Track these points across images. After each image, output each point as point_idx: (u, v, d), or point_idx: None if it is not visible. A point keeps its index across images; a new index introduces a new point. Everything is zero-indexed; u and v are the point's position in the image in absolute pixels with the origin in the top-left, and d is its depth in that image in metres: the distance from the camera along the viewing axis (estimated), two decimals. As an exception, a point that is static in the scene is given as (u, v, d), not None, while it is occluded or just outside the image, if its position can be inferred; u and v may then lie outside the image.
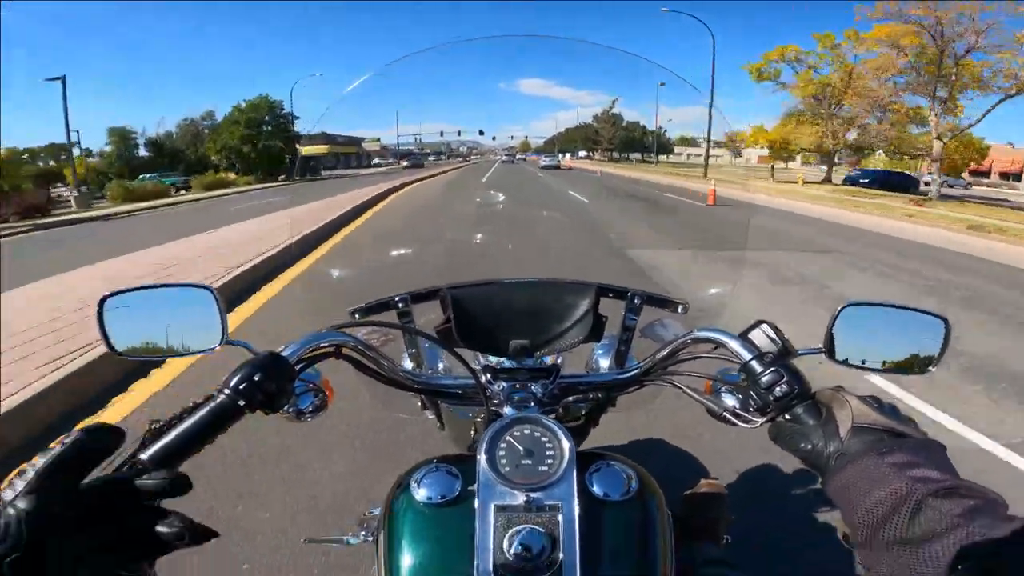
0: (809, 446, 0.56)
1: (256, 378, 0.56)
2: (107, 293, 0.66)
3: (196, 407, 0.55)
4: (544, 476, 0.60)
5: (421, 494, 0.63)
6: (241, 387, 0.56)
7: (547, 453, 0.63)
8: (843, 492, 0.50)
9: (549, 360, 0.81)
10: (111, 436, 0.45)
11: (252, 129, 40.03)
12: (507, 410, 0.73)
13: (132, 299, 0.66)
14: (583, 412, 0.86)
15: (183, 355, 0.68)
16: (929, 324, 0.66)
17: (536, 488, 0.59)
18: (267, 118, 41.59)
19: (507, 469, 0.61)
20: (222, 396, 0.55)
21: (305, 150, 33.48)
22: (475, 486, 0.61)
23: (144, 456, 0.51)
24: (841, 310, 0.65)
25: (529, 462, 0.62)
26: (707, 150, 35.39)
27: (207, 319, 0.66)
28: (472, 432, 0.88)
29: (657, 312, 0.88)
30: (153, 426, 0.53)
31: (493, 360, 0.80)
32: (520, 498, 0.59)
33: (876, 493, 0.47)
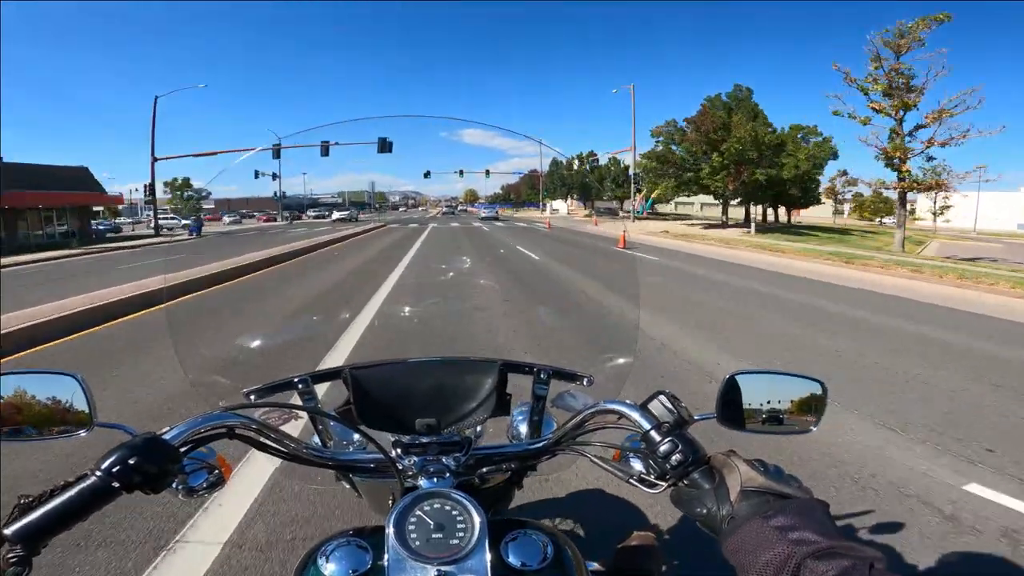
0: (704, 510, 0.58)
1: (132, 461, 0.54)
2: None
3: (67, 486, 0.53)
4: (456, 549, 0.60)
5: (330, 568, 0.61)
6: (115, 469, 0.54)
7: (458, 526, 0.62)
8: (736, 555, 0.52)
9: (464, 432, 0.81)
10: None
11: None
12: (422, 482, 0.72)
13: None
14: (503, 478, 0.85)
15: (50, 438, 0.65)
16: (808, 386, 0.72)
17: (448, 561, 0.59)
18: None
19: (417, 543, 0.60)
20: (94, 477, 0.53)
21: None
22: (385, 560, 0.59)
23: (8, 531, 0.50)
24: (729, 378, 0.70)
25: (440, 536, 0.61)
26: (634, 201, 45.19)
27: (75, 403, 0.64)
28: (390, 501, 0.85)
29: (567, 383, 0.90)
30: (22, 501, 0.52)
31: (404, 435, 0.79)
32: (431, 572, 0.58)
33: (763, 556, 0.49)
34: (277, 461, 0.75)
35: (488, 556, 0.59)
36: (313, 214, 45.47)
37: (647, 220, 41.99)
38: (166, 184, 50.95)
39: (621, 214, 54.99)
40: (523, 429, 0.95)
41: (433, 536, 0.61)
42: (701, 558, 1.96)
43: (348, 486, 0.94)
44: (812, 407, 0.72)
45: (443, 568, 0.58)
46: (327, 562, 0.62)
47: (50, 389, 0.64)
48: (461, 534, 0.61)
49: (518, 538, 0.65)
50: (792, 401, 0.72)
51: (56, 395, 0.64)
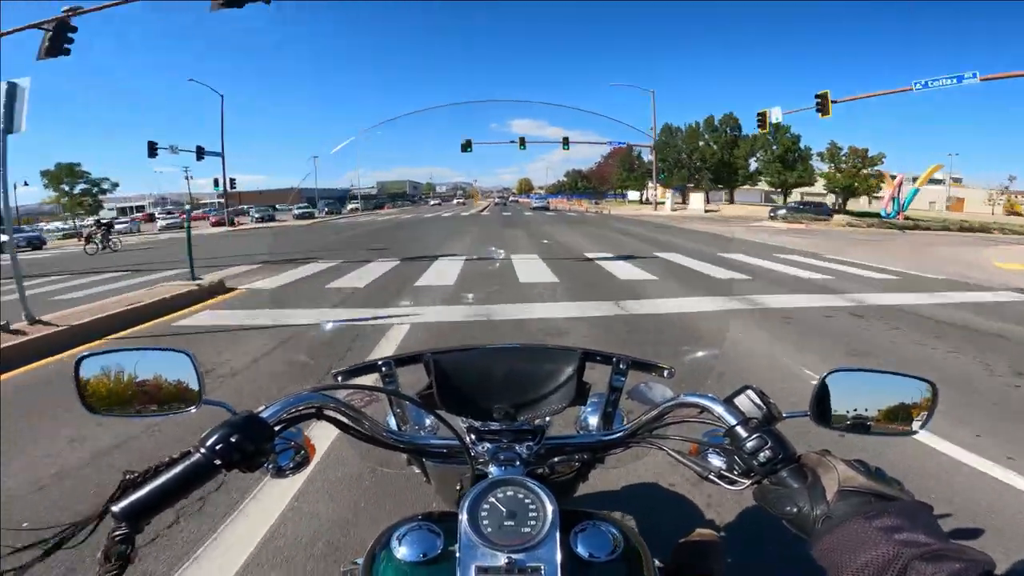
0: (795, 509, 0.56)
1: (233, 439, 0.57)
2: (84, 353, 0.68)
3: (172, 462, 0.55)
4: (527, 538, 0.60)
5: (402, 552, 0.62)
6: (218, 447, 0.56)
7: (530, 514, 0.63)
8: (829, 555, 0.51)
9: (536, 421, 0.81)
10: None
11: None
12: (492, 469, 0.73)
13: (109, 359, 0.67)
14: (572, 468, 0.85)
15: (159, 415, 0.69)
16: (914, 386, 0.68)
17: (519, 550, 0.59)
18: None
19: (489, 530, 0.61)
20: (198, 455, 0.56)
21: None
22: (457, 546, 0.60)
23: (115, 508, 0.51)
24: (827, 376, 0.67)
25: (512, 523, 0.62)
26: (655, 188, 41.91)
27: (186, 380, 0.67)
28: (459, 488, 0.87)
29: (644, 375, 0.89)
30: (127, 477, 0.54)
31: (478, 421, 0.80)
32: (502, 559, 0.58)
33: (863, 556, 0.48)
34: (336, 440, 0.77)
35: (559, 545, 0.60)
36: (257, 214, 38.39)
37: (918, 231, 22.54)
38: (43, 174, 34.35)
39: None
40: (592, 421, 0.94)
41: (505, 523, 0.62)
42: (762, 556, 1.97)
43: (418, 470, 0.96)
44: (917, 408, 0.67)
45: (514, 555, 0.58)
46: (400, 545, 0.63)
47: (162, 366, 0.68)
48: (533, 522, 0.62)
49: (587, 529, 0.64)
50: (894, 401, 0.67)
51: (168, 372, 0.67)
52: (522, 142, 28.72)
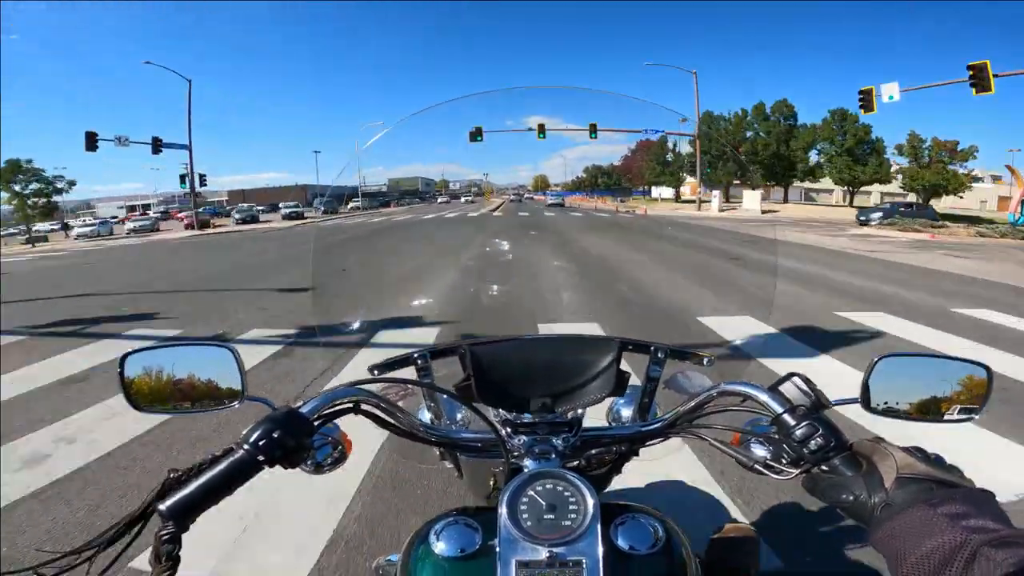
0: (851, 497, 0.56)
1: (275, 434, 0.57)
2: (129, 350, 0.69)
3: (215, 460, 0.56)
4: (567, 531, 0.60)
5: (440, 547, 0.62)
6: (261, 443, 0.57)
7: (570, 507, 0.62)
8: (890, 543, 0.50)
9: (570, 413, 0.80)
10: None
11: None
12: (528, 463, 0.72)
13: (153, 356, 0.68)
14: (606, 461, 0.84)
15: (203, 411, 0.69)
16: (968, 370, 0.65)
17: (559, 543, 0.58)
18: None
19: (529, 524, 0.61)
20: (241, 451, 0.56)
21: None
22: (495, 540, 0.60)
23: (162, 507, 0.52)
24: (877, 361, 0.65)
25: (552, 517, 0.61)
26: (698, 180, 35.12)
27: (227, 375, 0.68)
28: (492, 483, 0.87)
29: (681, 363, 0.86)
30: (172, 475, 0.54)
31: (512, 413, 0.79)
32: (543, 553, 0.58)
33: (928, 543, 0.46)
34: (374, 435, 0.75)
35: (600, 538, 0.59)
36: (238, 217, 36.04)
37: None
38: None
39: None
40: (625, 412, 0.92)
41: (545, 517, 0.61)
42: (795, 551, 1.90)
43: (450, 465, 0.95)
44: (972, 394, 0.64)
45: (555, 549, 0.58)
46: (437, 540, 0.63)
47: (204, 362, 0.68)
48: (573, 515, 0.61)
49: (627, 522, 0.63)
50: (949, 387, 0.65)
51: (211, 368, 0.68)
52: (541, 129, 26.19)
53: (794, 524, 2.07)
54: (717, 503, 2.16)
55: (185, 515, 0.52)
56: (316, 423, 0.64)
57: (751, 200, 31.76)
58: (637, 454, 0.84)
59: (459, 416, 0.94)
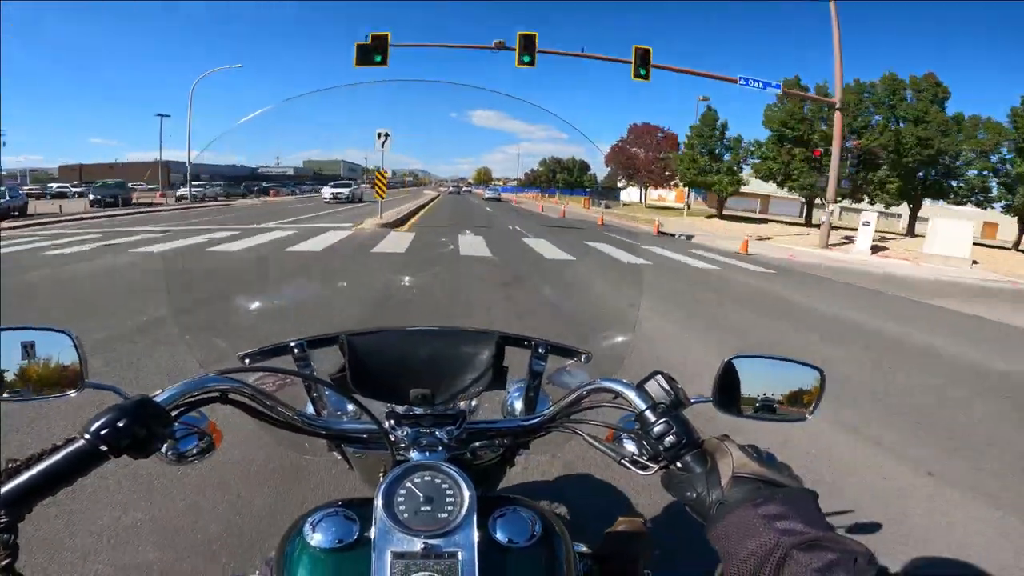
0: (694, 495, 0.58)
1: (121, 423, 0.54)
2: None
3: (55, 449, 0.53)
4: (443, 523, 0.60)
5: (316, 539, 0.61)
6: (103, 432, 0.53)
7: (447, 500, 0.63)
8: (722, 542, 0.52)
9: (457, 406, 0.81)
10: None
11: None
12: (414, 455, 0.72)
13: None
14: (496, 453, 0.86)
15: (39, 398, 0.65)
16: (806, 373, 0.71)
17: (435, 535, 0.59)
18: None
19: (405, 515, 0.61)
20: (82, 440, 0.53)
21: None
22: (372, 532, 0.59)
23: None
24: (727, 362, 0.69)
25: (428, 509, 0.62)
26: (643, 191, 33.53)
27: (67, 362, 0.64)
28: (381, 473, 0.86)
29: (564, 360, 0.89)
30: (9, 465, 0.52)
31: (396, 406, 0.78)
32: (418, 545, 0.58)
33: (748, 545, 0.49)
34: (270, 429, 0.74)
35: (475, 530, 0.60)
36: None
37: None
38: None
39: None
40: (518, 406, 0.95)
41: (422, 509, 0.62)
42: (689, 545, 2.03)
43: (339, 457, 0.94)
44: (809, 395, 0.71)
45: (430, 541, 0.58)
46: (313, 532, 0.62)
47: (44, 347, 0.63)
48: (450, 508, 0.62)
49: (506, 514, 0.65)
50: (789, 388, 0.71)
51: (51, 353, 0.63)
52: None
53: (681, 518, 2.18)
54: (619, 496, 2.26)
55: (20, 504, 0.50)
56: (175, 412, 0.61)
57: (948, 232, 15.92)
58: (527, 447, 0.86)
59: (349, 408, 0.92)
